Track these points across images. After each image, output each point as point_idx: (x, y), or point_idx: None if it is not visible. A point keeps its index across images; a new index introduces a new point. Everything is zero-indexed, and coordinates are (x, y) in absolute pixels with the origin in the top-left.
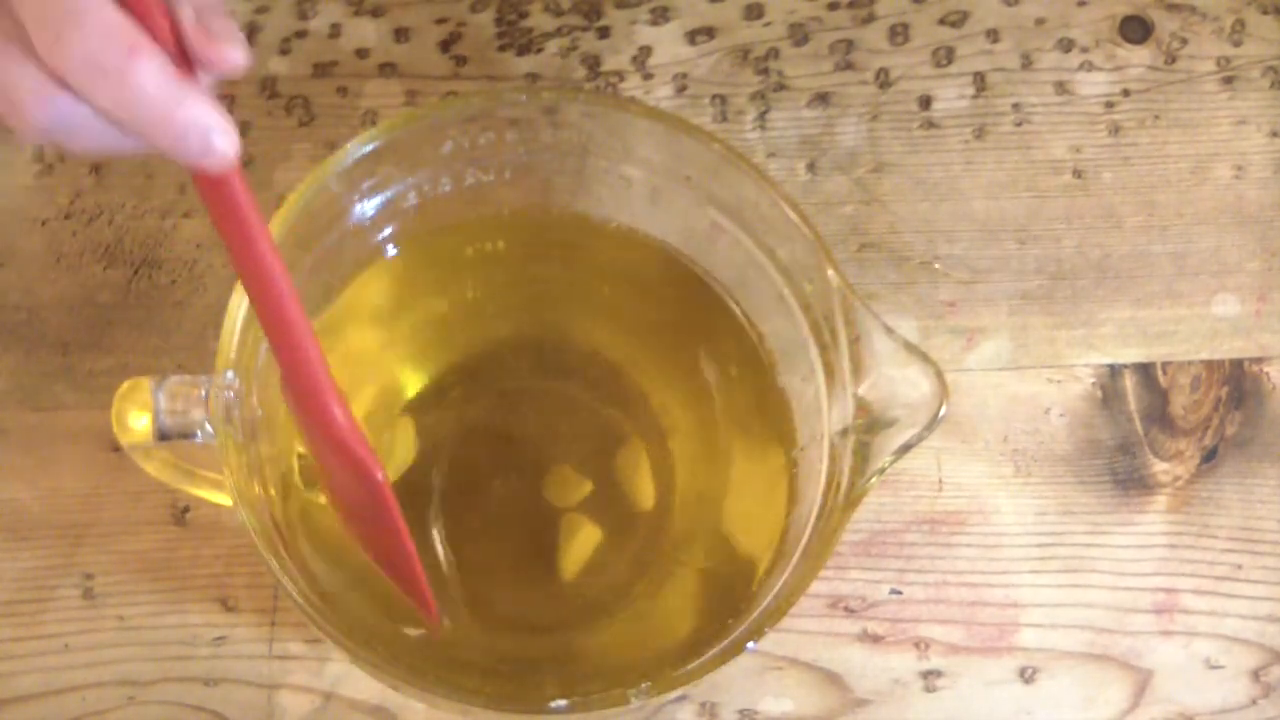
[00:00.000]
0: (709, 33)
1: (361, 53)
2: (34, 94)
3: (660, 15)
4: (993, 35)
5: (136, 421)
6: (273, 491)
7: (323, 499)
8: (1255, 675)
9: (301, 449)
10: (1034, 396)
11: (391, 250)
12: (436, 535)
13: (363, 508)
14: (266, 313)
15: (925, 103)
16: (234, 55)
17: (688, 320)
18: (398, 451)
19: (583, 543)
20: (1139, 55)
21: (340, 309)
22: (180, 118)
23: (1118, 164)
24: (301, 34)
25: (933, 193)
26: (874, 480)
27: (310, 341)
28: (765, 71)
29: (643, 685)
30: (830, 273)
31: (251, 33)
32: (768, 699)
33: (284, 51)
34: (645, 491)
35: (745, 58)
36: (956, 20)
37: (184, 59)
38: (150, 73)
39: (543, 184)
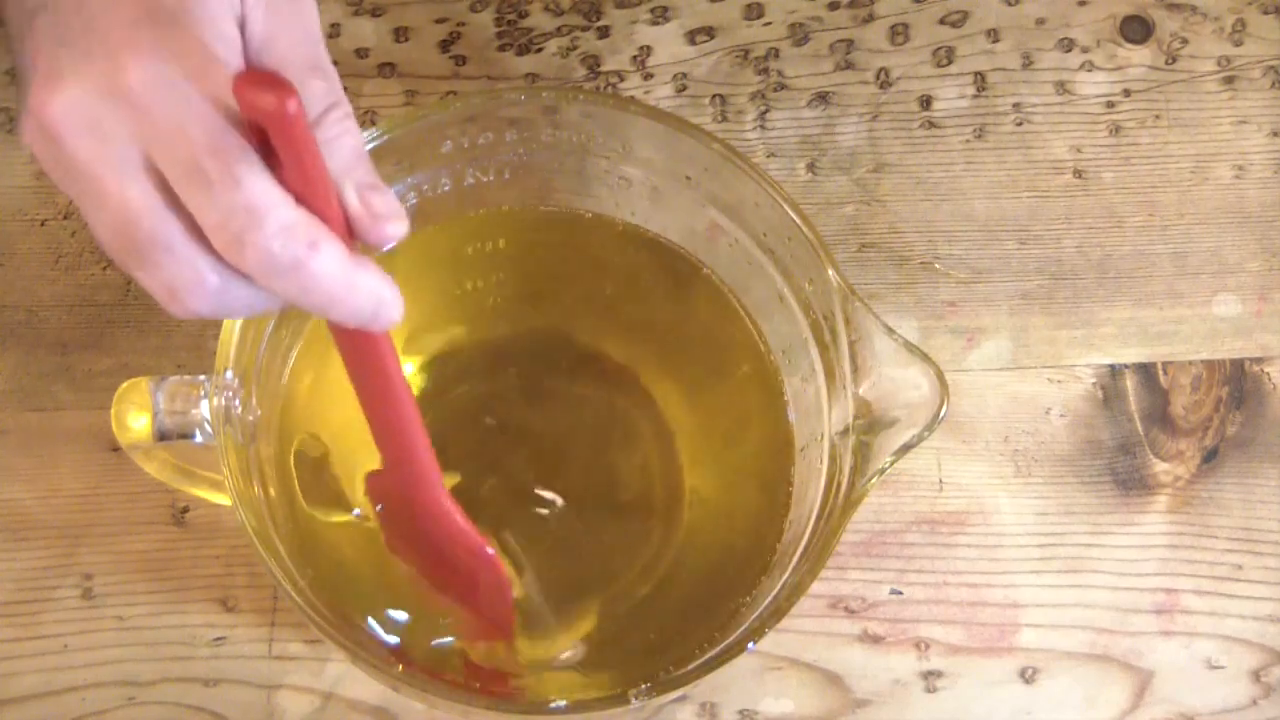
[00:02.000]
0: (709, 33)
1: (361, 52)
2: (194, 285)
3: (660, 15)
4: (993, 35)
5: (136, 421)
6: (272, 492)
7: (323, 502)
8: (1256, 675)
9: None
10: (1034, 396)
11: (391, 250)
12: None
13: (459, 572)
14: (394, 444)
15: (926, 103)
16: (395, 231)
17: (690, 319)
18: None
19: (584, 542)
20: (1140, 55)
21: None
22: (355, 296)
23: (1118, 164)
24: None
25: (933, 193)
26: (874, 480)
27: (429, 454)
28: (765, 71)
29: (643, 685)
30: (830, 273)
31: None
32: (768, 699)
33: None
34: (648, 491)
35: (745, 58)
36: (957, 20)
37: (349, 233)
38: (329, 263)
39: (542, 184)
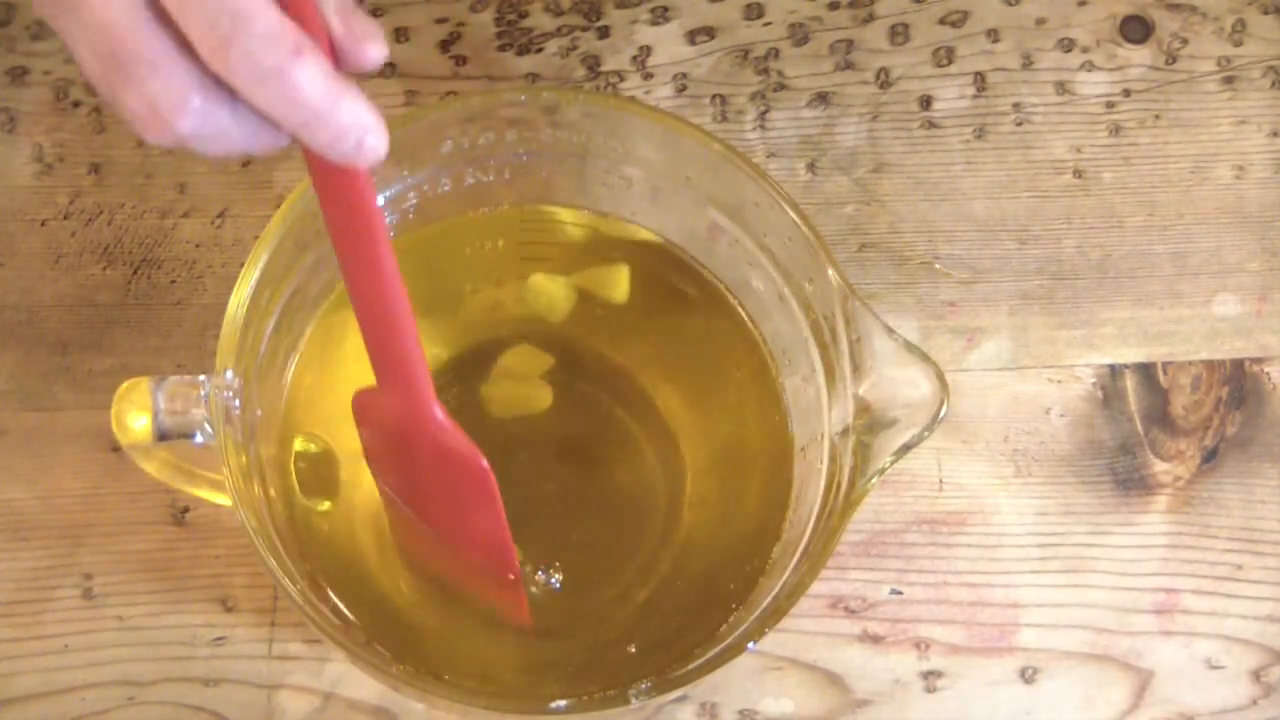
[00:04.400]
0: (709, 33)
1: None
2: (178, 103)
3: (660, 15)
4: (993, 35)
5: (136, 421)
6: (272, 492)
7: (322, 506)
8: (1256, 675)
9: (301, 444)
10: (1034, 396)
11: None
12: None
13: (452, 511)
14: (375, 313)
15: (925, 103)
16: (376, 53)
17: (689, 319)
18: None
19: (587, 546)
20: (1140, 55)
21: (341, 308)
22: (338, 117)
23: (1118, 164)
24: None
25: (933, 193)
26: (874, 480)
27: (416, 346)
28: (765, 71)
29: (643, 685)
30: (830, 273)
31: None
32: (768, 699)
33: None
34: (647, 491)
35: (745, 58)
36: (957, 20)
37: (334, 57)
38: (313, 72)
39: (542, 184)
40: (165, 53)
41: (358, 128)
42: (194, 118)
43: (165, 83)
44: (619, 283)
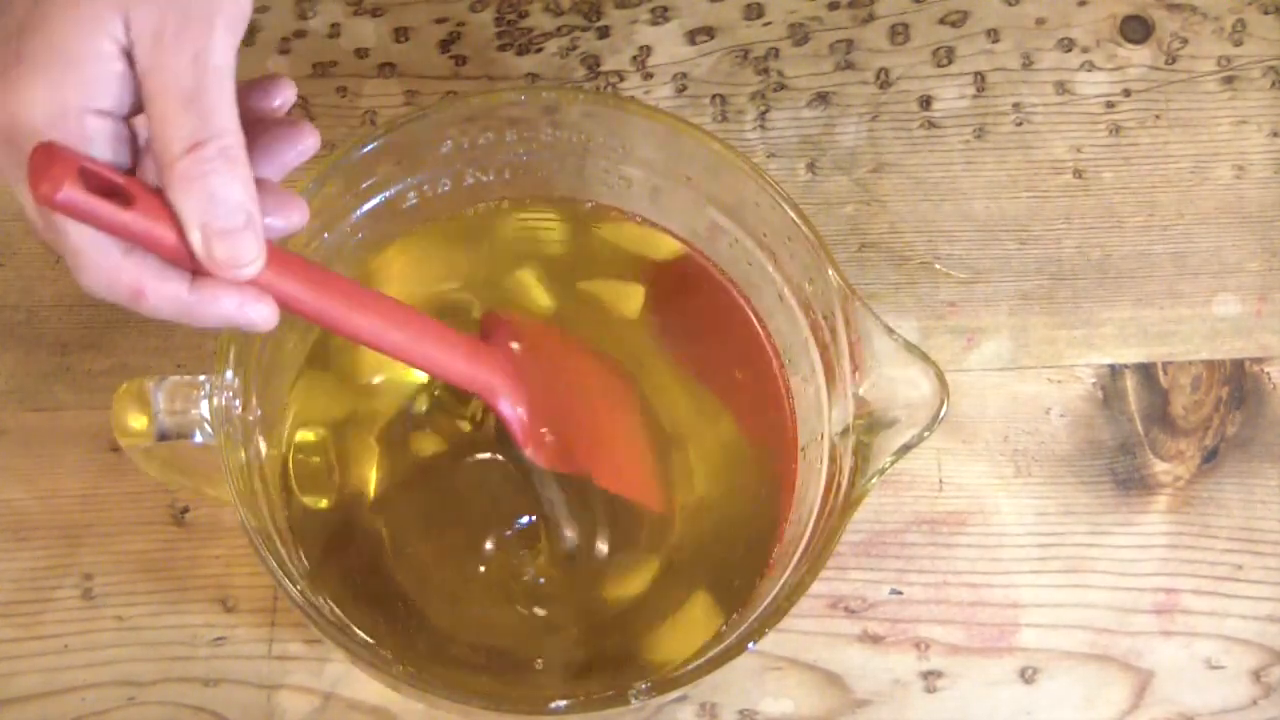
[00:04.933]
0: (709, 33)
1: (361, 52)
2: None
3: (660, 15)
4: (993, 35)
5: (136, 422)
6: (272, 491)
7: (322, 505)
8: (1256, 675)
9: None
10: (1034, 396)
11: (391, 249)
12: (439, 534)
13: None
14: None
15: (925, 103)
16: (243, 276)
17: (693, 317)
18: (401, 453)
19: (587, 545)
20: (1140, 55)
21: None
22: (205, 320)
23: (1118, 164)
24: (301, 34)
25: (933, 193)
26: (874, 480)
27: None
28: (765, 71)
29: (643, 685)
30: (830, 273)
31: (252, 32)
32: (768, 699)
33: (284, 51)
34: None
35: (745, 58)
36: (957, 20)
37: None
38: (162, 302)
39: (543, 184)
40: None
41: (225, 320)
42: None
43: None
44: (632, 298)
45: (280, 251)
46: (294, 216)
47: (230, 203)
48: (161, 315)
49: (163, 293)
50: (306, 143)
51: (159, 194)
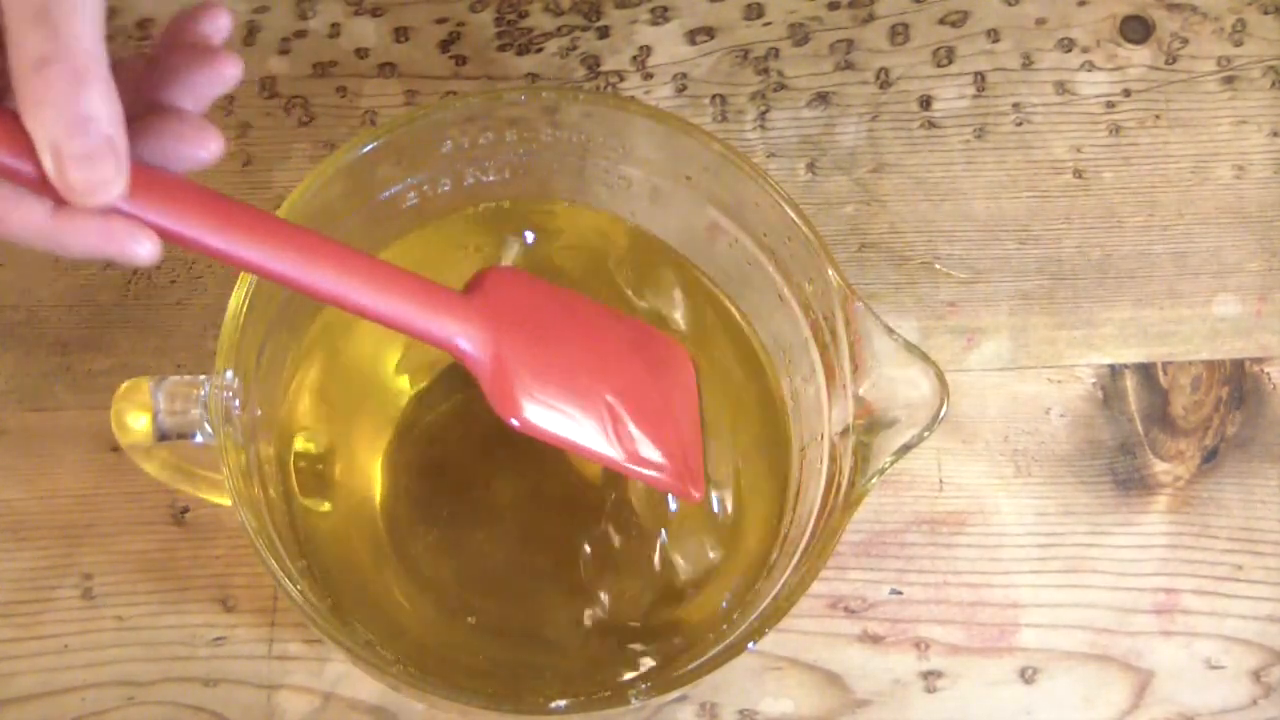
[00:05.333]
0: (709, 33)
1: (361, 52)
2: None
3: (660, 15)
4: (993, 35)
5: (136, 421)
6: (272, 492)
7: (322, 506)
8: (1256, 676)
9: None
10: (1034, 396)
11: (391, 249)
12: (439, 535)
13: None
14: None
15: (925, 103)
16: (97, 202)
17: (687, 321)
18: (402, 452)
19: (587, 543)
20: (1140, 55)
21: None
22: (70, 248)
23: (1118, 164)
24: (301, 34)
25: (933, 193)
26: (874, 480)
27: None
28: (765, 71)
29: (643, 685)
30: (830, 273)
31: (251, 32)
32: (768, 699)
33: (283, 51)
34: (645, 491)
35: (745, 58)
36: (957, 20)
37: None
38: (21, 228)
39: (542, 184)
40: None
41: (94, 248)
42: None
43: None
44: (615, 285)
45: (175, 181)
46: (210, 146)
47: (84, 123)
48: (26, 242)
49: (21, 218)
50: (225, 72)
51: (15, 117)
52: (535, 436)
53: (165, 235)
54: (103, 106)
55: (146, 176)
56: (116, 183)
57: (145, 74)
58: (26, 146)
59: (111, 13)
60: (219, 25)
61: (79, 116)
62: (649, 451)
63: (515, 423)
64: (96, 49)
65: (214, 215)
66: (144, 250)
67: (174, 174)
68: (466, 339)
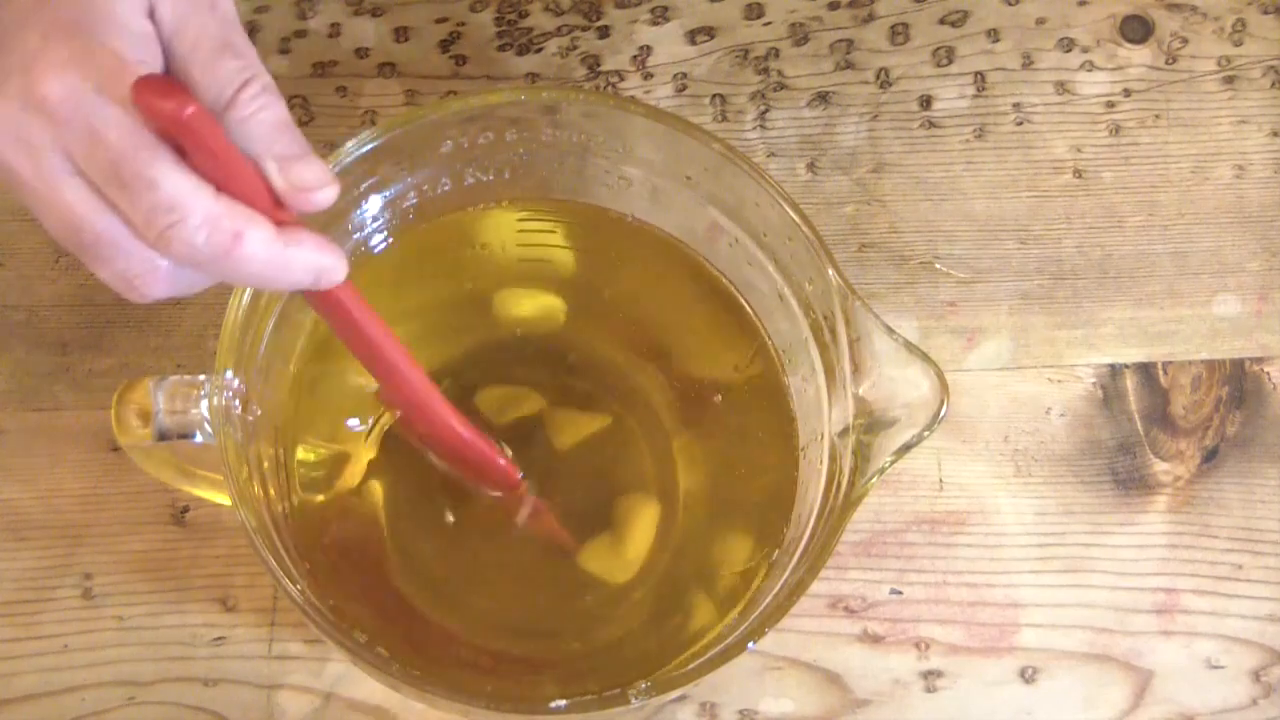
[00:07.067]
0: (709, 32)
1: (361, 52)
2: (147, 274)
3: (660, 15)
4: (993, 35)
5: (136, 421)
6: (272, 492)
7: (322, 503)
8: (1256, 675)
9: (303, 452)
10: (1034, 396)
11: (391, 249)
12: (440, 534)
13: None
14: (395, 390)
15: (926, 102)
16: (323, 199)
17: (692, 317)
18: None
19: (587, 543)
20: (1140, 55)
21: None
22: (291, 273)
23: (1118, 164)
24: (301, 33)
25: (933, 193)
26: (874, 480)
27: (436, 395)
28: (765, 71)
29: (643, 685)
30: (830, 273)
31: (251, 32)
32: (768, 699)
33: (284, 51)
34: (648, 492)
35: (745, 58)
36: (957, 20)
37: (279, 204)
38: (256, 248)
39: (542, 184)
40: (125, 233)
41: (312, 271)
42: (164, 284)
43: (128, 261)
44: (619, 281)
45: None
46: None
47: (292, 128)
48: (248, 269)
49: (258, 237)
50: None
51: (231, 147)
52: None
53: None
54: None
55: None
56: (333, 181)
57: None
58: (245, 163)
59: None
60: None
61: (286, 122)
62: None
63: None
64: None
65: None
66: (341, 263)
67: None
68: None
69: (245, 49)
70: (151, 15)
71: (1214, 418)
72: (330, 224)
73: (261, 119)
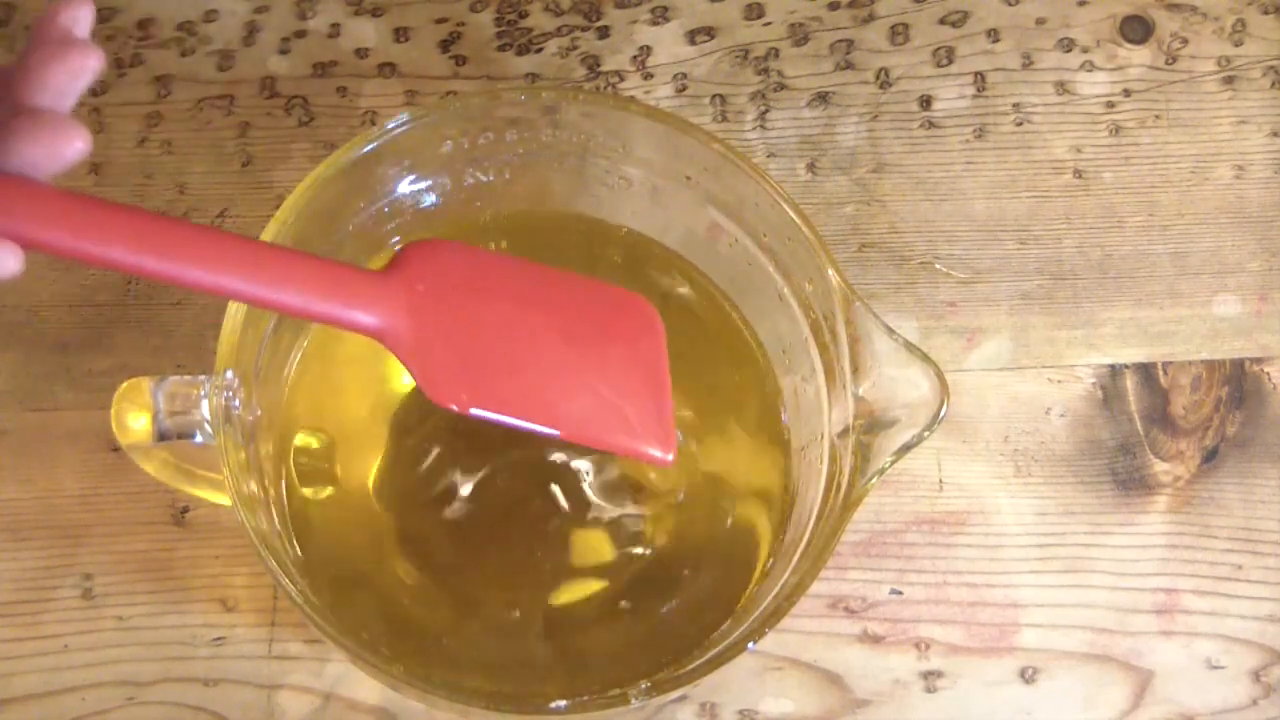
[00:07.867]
0: (709, 33)
1: (361, 52)
2: None
3: (660, 15)
4: (993, 35)
5: (136, 422)
6: (272, 492)
7: (323, 503)
8: (1256, 675)
9: (301, 443)
10: (1034, 396)
11: (391, 250)
12: (441, 534)
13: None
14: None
15: (926, 103)
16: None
17: (686, 322)
18: (403, 452)
19: (586, 543)
20: (1140, 55)
21: None
22: None
23: (1118, 164)
24: (301, 34)
25: (933, 193)
26: (874, 480)
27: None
28: (765, 71)
29: (643, 685)
30: (830, 273)
31: (251, 32)
32: (768, 699)
33: (283, 51)
34: (648, 492)
35: (745, 58)
36: (957, 20)
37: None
38: None
39: (542, 184)
40: None
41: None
42: None
43: None
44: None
45: (27, 187)
46: (74, 144)
47: None
48: None
49: None
50: (81, 64)
51: None
52: (485, 420)
53: (27, 244)
54: None
55: None
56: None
57: (13, 77)
58: None
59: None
60: (79, 15)
61: None
62: (611, 420)
63: (454, 408)
64: None
65: (69, 217)
66: (6, 264)
67: (26, 179)
68: (382, 321)
69: None
70: None
71: (1214, 418)
72: (330, 224)
73: None
